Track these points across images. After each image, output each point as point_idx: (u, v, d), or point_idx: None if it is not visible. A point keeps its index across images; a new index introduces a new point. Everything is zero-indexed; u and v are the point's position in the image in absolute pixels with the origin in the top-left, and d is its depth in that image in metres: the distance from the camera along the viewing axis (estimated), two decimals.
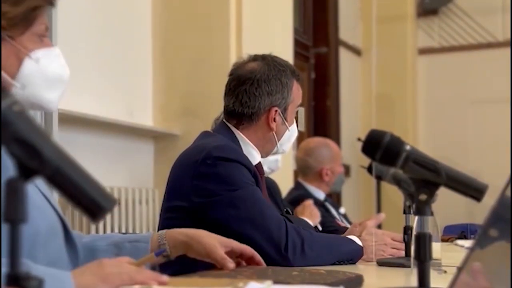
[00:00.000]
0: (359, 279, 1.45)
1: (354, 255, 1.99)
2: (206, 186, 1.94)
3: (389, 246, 2.09)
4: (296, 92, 2.19)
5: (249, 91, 2.12)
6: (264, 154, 2.20)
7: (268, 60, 2.16)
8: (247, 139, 2.13)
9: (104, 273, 1.15)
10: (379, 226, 5.26)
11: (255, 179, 2.01)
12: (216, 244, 1.50)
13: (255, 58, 2.19)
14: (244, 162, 1.98)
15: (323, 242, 1.95)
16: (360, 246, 2.02)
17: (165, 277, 1.19)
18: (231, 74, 2.19)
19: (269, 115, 2.13)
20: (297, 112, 2.23)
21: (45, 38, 1.40)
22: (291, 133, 2.20)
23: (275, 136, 2.15)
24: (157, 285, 1.17)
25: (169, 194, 2.06)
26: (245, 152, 2.09)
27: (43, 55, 1.38)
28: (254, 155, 2.13)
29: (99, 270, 1.16)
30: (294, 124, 2.21)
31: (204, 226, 1.91)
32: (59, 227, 1.38)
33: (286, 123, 2.16)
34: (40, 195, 1.34)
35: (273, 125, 2.13)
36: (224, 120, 2.18)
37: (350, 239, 2.04)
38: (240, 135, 2.13)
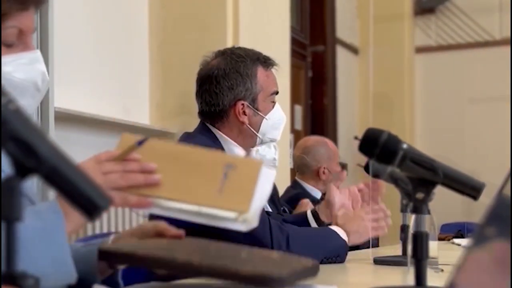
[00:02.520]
0: (315, 268, 1.32)
1: (340, 251, 1.98)
2: None
3: (366, 220, 2.09)
4: (264, 79, 2.12)
5: (209, 89, 2.09)
6: (247, 148, 2.17)
7: (226, 54, 2.12)
8: (226, 136, 2.10)
9: None
10: None
11: None
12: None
13: (216, 54, 2.15)
14: None
15: (307, 238, 1.93)
16: (344, 241, 2.01)
17: (152, 165, 1.11)
18: (197, 75, 2.17)
19: (235, 109, 2.09)
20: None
21: (17, 45, 1.33)
22: (274, 121, 2.15)
23: (251, 128, 2.11)
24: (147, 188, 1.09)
25: None
26: (227, 150, 2.07)
27: (6, 62, 1.31)
28: (236, 152, 2.10)
29: None
30: (276, 110, 2.15)
31: (189, 229, 1.90)
32: None
33: (260, 113, 2.11)
34: (25, 201, 1.28)
35: (243, 118, 2.09)
36: (202, 121, 2.17)
37: (334, 232, 2.02)
38: (219, 133, 2.11)
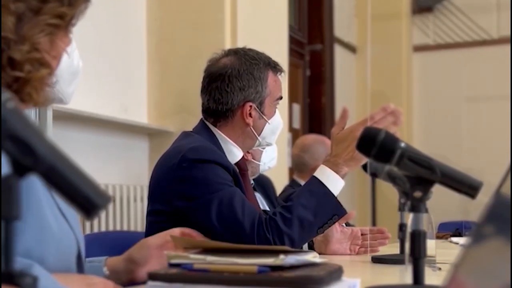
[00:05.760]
0: (341, 269, 1.31)
1: (334, 212, 1.96)
2: (184, 190, 1.92)
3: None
4: (273, 84, 2.13)
5: (220, 87, 2.08)
6: (245, 149, 2.17)
7: (240, 54, 2.12)
8: (226, 136, 2.10)
9: None
10: (374, 224, 5.24)
11: (235, 177, 1.99)
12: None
13: (228, 53, 2.15)
14: (220, 161, 1.95)
15: (298, 219, 1.88)
16: (336, 201, 1.98)
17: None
18: (205, 71, 2.15)
19: (243, 110, 2.09)
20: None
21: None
22: (274, 125, 2.15)
23: (254, 131, 2.11)
24: None
25: (151, 197, 2.05)
26: (225, 150, 2.07)
27: (70, 49, 1.37)
28: (234, 152, 2.11)
29: None
30: (277, 116, 2.16)
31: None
32: (73, 254, 1.31)
33: (264, 117, 2.11)
34: (60, 218, 1.27)
35: (249, 120, 2.09)
36: (203, 119, 2.16)
37: (320, 190, 2.00)
38: (218, 133, 2.10)
